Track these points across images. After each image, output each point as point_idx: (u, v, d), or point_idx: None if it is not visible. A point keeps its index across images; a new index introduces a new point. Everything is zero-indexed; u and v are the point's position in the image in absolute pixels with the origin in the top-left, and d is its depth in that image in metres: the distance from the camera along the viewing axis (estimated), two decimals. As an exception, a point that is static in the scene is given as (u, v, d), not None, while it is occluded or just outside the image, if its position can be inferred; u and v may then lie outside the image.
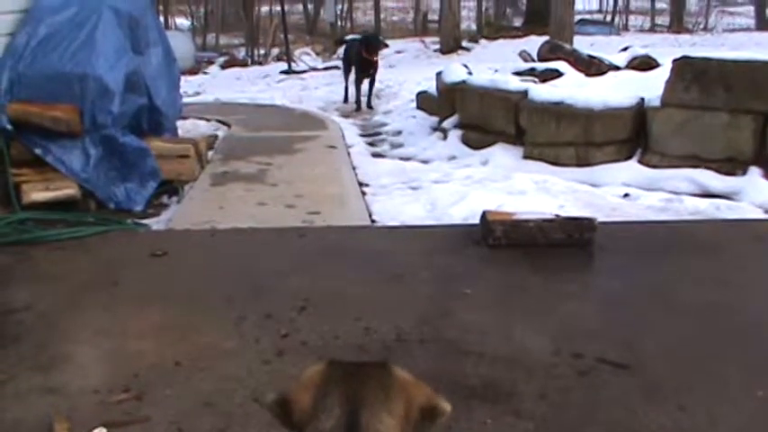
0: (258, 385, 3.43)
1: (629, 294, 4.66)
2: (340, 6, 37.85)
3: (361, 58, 14.05)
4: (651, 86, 8.21)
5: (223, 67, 25.81)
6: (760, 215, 6.58)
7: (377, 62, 14.33)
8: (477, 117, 9.28)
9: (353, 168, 8.32)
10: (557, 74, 9.83)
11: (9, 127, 6.43)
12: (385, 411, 1.42)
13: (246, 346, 3.88)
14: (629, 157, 8.05)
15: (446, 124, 9.94)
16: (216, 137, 10.21)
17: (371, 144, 10.42)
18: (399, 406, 1.44)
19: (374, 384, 1.46)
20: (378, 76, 14.60)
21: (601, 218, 5.78)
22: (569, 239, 5.35)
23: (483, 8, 33.90)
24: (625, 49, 12.37)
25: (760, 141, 7.39)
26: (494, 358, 3.74)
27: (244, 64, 26.83)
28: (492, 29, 29.87)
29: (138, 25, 7.81)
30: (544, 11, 21.21)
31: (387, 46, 24.05)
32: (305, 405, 1.45)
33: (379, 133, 11.34)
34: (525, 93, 8.70)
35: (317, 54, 26.89)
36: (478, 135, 9.16)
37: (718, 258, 5.29)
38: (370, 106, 14.05)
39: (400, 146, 10.21)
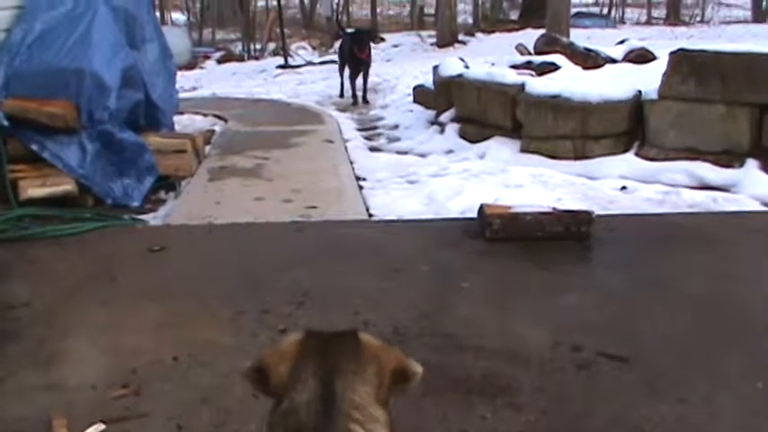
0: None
1: (627, 287, 4.66)
2: (336, 0, 37.78)
3: (352, 54, 14.02)
4: (648, 79, 8.20)
5: (219, 62, 25.76)
6: (757, 207, 6.57)
7: (369, 57, 14.26)
8: (475, 111, 9.27)
9: (351, 162, 8.31)
10: (553, 67, 9.81)
11: (5, 123, 6.42)
12: (358, 380, 1.48)
13: (245, 341, 3.87)
14: (626, 150, 8.04)
15: (443, 118, 9.93)
16: (213, 132, 10.21)
17: (368, 138, 10.40)
18: (372, 373, 1.51)
19: (347, 354, 1.53)
20: (372, 70, 14.55)
21: (598, 211, 5.79)
22: (567, 232, 5.35)
23: (479, 1, 33.83)
24: (622, 41, 12.35)
25: (757, 133, 7.38)
26: (492, 352, 3.74)
27: (240, 59, 26.78)
28: (488, 22, 29.89)
29: (134, 21, 7.81)
30: (540, 4, 21.20)
31: (383, 40, 24.05)
32: (281, 375, 1.51)
33: (376, 127, 11.33)
34: (522, 86, 8.69)
35: (314, 48, 26.86)
36: (475, 128, 9.16)
37: (716, 251, 5.29)
38: (365, 101, 14.02)
39: (397, 140, 10.20)
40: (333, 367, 1.47)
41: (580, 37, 16.64)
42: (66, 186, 6.49)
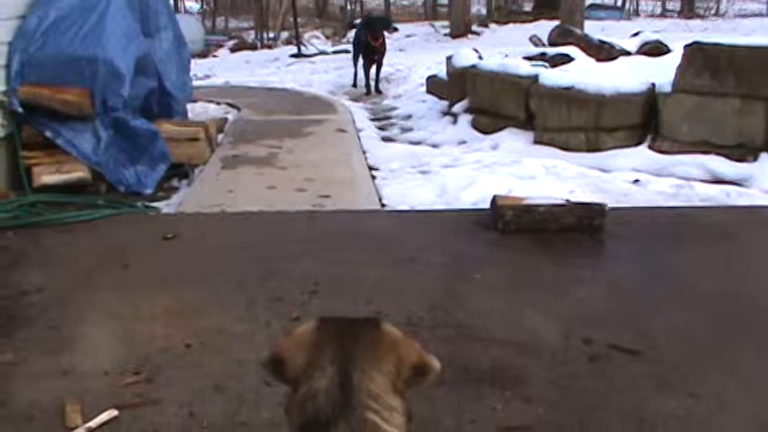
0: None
1: (639, 280, 4.65)
2: (349, -11, 37.71)
3: (366, 43, 14.00)
4: (662, 72, 8.18)
5: (233, 50, 25.80)
6: (771, 202, 6.56)
7: (382, 46, 14.23)
8: (488, 101, 9.26)
9: (363, 152, 8.32)
10: (567, 59, 9.79)
11: (20, 110, 6.45)
12: (376, 370, 1.47)
13: (257, 329, 3.89)
14: (639, 143, 8.03)
15: (456, 108, 9.93)
16: (226, 120, 10.23)
17: (381, 128, 10.41)
18: (390, 364, 1.50)
19: (366, 343, 1.51)
20: (385, 60, 14.53)
21: (611, 203, 5.77)
22: (579, 225, 5.35)
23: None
24: (636, 34, 12.32)
25: (771, 128, 7.36)
26: (503, 343, 3.75)
27: (253, 47, 26.80)
28: (502, 13, 29.80)
29: (148, 8, 7.82)
30: (555, -5, 21.15)
31: (396, 30, 23.97)
32: (299, 364, 1.50)
33: (389, 117, 11.33)
34: (536, 77, 8.68)
35: (327, 38, 26.84)
36: (488, 119, 9.15)
37: (729, 245, 5.27)
38: (378, 90, 14.01)
39: (410, 130, 10.20)
40: (351, 355, 1.47)
41: (594, 29, 16.58)
42: (80, 173, 6.52)
